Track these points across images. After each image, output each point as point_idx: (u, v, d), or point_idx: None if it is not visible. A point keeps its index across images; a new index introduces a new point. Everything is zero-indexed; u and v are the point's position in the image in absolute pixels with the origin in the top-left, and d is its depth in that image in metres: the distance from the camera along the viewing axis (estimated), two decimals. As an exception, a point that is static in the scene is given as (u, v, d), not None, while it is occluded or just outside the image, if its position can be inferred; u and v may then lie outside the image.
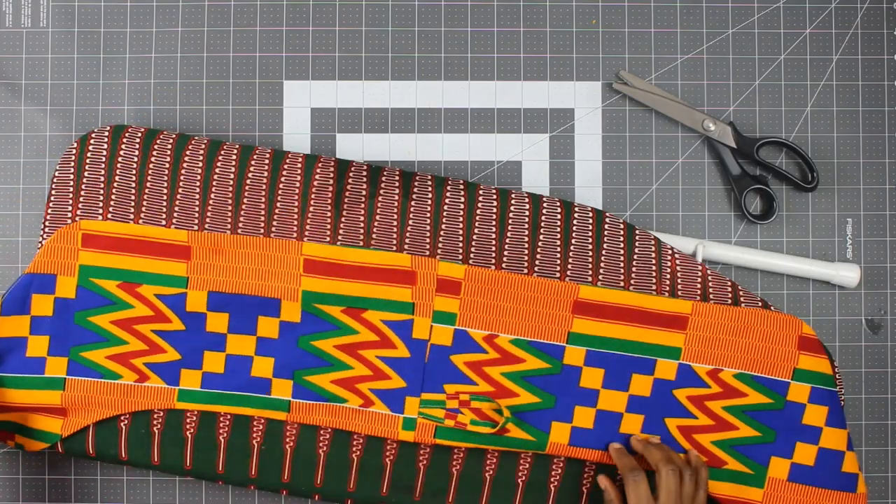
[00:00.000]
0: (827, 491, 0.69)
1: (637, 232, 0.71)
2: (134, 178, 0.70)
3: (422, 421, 0.69)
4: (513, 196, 0.71)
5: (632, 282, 0.70)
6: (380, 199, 0.70)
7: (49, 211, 0.70)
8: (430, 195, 0.71)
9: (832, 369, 0.70)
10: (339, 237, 0.70)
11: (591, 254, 0.71)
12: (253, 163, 0.71)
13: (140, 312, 0.69)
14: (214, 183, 0.70)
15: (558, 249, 0.70)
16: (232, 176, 0.70)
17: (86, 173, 0.70)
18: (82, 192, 0.70)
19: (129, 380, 0.69)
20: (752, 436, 0.69)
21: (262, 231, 0.70)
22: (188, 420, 0.69)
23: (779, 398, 0.69)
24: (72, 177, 0.70)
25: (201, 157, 0.71)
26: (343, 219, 0.70)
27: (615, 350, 0.69)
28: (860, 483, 0.69)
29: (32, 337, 0.69)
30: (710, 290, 0.70)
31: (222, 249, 0.69)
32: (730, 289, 0.71)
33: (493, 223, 0.71)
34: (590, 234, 0.71)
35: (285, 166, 0.71)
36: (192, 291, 0.69)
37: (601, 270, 0.70)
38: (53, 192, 0.70)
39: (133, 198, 0.70)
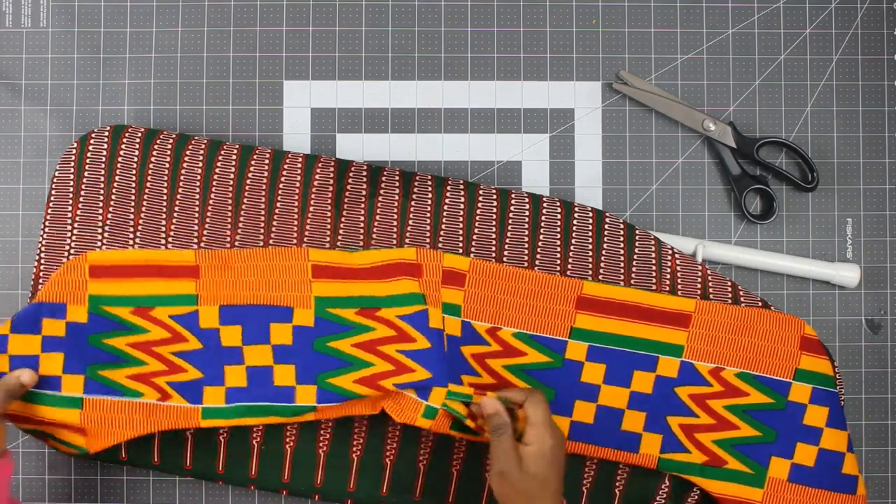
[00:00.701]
0: (826, 492, 0.69)
1: (637, 232, 0.71)
2: (134, 178, 0.70)
3: (443, 411, 0.66)
4: (513, 196, 0.71)
5: (632, 282, 0.70)
6: (380, 198, 0.70)
7: (49, 211, 0.70)
8: (430, 195, 0.71)
9: (833, 370, 0.70)
10: (340, 237, 0.70)
11: (591, 254, 0.70)
12: (253, 163, 0.71)
13: (157, 336, 0.67)
14: (214, 183, 0.70)
15: (558, 249, 0.70)
16: (232, 176, 0.70)
17: (86, 173, 0.70)
18: (82, 192, 0.70)
19: (151, 398, 0.66)
20: (752, 435, 0.69)
21: (262, 231, 0.70)
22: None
23: (780, 398, 0.69)
24: (72, 177, 0.70)
25: (201, 157, 0.70)
26: (343, 219, 0.70)
27: (617, 346, 0.69)
28: (860, 485, 0.69)
29: (44, 354, 0.65)
30: (710, 290, 0.70)
31: (231, 265, 0.68)
32: (730, 289, 0.71)
33: (493, 223, 0.71)
34: (590, 234, 0.71)
35: (285, 166, 0.71)
36: (203, 307, 0.67)
37: (601, 270, 0.70)
38: (53, 192, 0.70)
39: (133, 198, 0.70)
